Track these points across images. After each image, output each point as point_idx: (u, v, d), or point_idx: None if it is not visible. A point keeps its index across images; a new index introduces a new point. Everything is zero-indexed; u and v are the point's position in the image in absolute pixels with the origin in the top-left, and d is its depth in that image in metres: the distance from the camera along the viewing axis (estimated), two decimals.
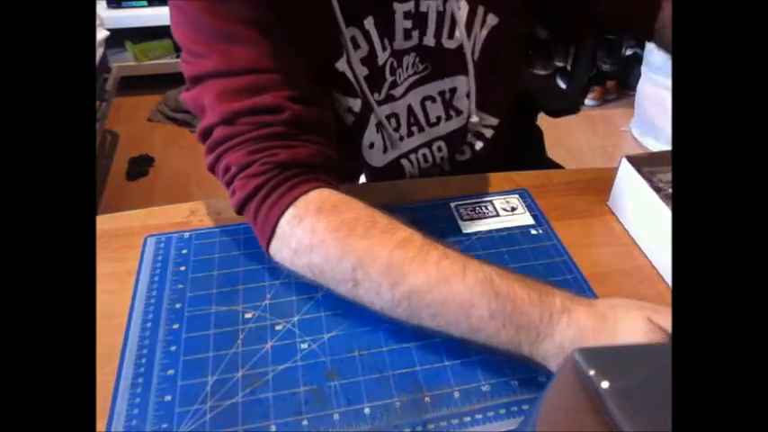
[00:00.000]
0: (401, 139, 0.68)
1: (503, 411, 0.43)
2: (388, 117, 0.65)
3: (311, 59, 0.54)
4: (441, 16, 0.62)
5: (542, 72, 2.35)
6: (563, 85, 2.34)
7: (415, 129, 0.69)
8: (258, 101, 0.48)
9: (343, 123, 0.63)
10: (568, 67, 2.34)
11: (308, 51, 0.53)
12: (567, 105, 0.95)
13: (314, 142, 0.50)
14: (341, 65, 0.58)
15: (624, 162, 0.59)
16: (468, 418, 0.42)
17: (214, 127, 0.49)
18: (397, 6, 0.59)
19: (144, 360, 0.46)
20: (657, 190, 0.53)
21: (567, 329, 0.40)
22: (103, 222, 0.59)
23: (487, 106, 0.71)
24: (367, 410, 0.42)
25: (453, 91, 0.68)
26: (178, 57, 2.37)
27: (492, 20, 0.64)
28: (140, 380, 0.44)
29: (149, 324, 0.49)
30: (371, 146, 0.66)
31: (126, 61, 2.21)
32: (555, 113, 0.94)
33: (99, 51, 1.71)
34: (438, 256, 0.43)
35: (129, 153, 1.97)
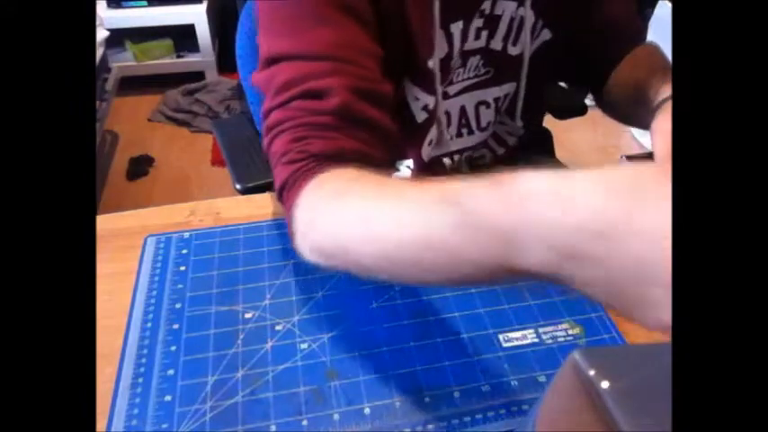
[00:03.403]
0: (451, 138, 0.69)
1: (503, 411, 0.43)
2: (443, 114, 0.66)
3: (403, 56, 0.53)
4: (512, 22, 0.62)
5: None
6: (563, 85, 2.33)
7: (465, 131, 0.70)
8: (312, 85, 0.46)
9: (414, 121, 0.63)
10: None
11: (404, 48, 0.53)
12: (574, 106, 0.95)
13: (355, 137, 0.47)
14: (431, 63, 0.59)
15: (624, 162, 0.59)
16: (468, 418, 0.42)
17: (271, 110, 0.48)
18: (481, 3, 0.59)
19: (144, 360, 0.46)
20: None
21: (547, 216, 0.27)
22: (103, 222, 0.59)
23: (524, 116, 0.73)
24: (367, 410, 0.42)
25: (506, 97, 0.69)
26: (178, 57, 2.39)
27: (546, 35, 0.66)
28: (140, 380, 0.44)
29: (149, 324, 0.49)
30: (430, 143, 0.68)
31: (126, 61, 2.21)
32: (561, 114, 0.94)
33: (99, 51, 1.71)
34: (414, 197, 0.35)
35: (129, 153, 1.97)
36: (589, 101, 2.49)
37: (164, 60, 2.26)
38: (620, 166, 0.26)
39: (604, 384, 0.25)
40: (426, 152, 0.68)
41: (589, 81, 0.75)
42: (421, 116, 0.63)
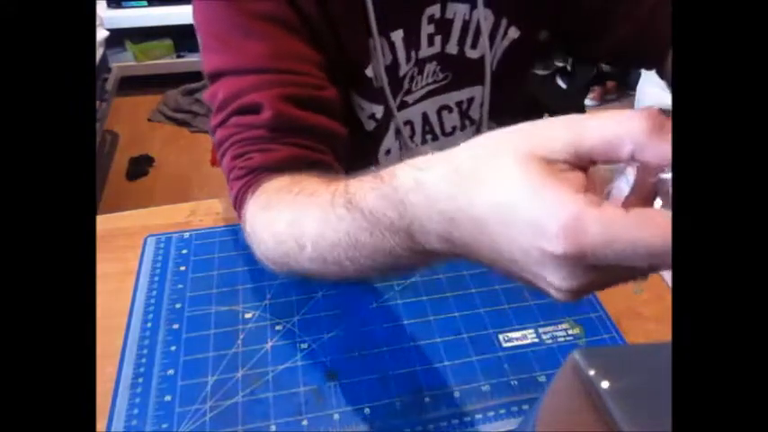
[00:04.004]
0: (417, 146, 0.68)
1: (503, 411, 0.43)
2: (404, 123, 0.65)
3: (340, 64, 0.53)
4: (466, 25, 0.61)
5: (542, 72, 2.35)
6: (563, 85, 2.34)
7: (429, 137, 0.69)
8: (245, 100, 0.47)
9: (363, 129, 0.62)
10: (568, 67, 2.34)
11: (337, 56, 0.52)
12: (572, 107, 0.95)
13: (296, 145, 0.48)
14: (369, 71, 0.58)
15: None
16: (468, 418, 0.42)
17: (216, 128, 0.49)
18: (423, 11, 0.58)
19: (144, 360, 0.46)
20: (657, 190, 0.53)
21: (421, 209, 0.28)
22: (103, 222, 0.59)
23: (500, 117, 0.72)
24: (367, 410, 0.42)
25: (471, 101, 0.68)
26: (178, 57, 2.39)
27: (514, 33, 0.64)
28: (140, 380, 0.44)
29: (149, 324, 0.49)
30: (388, 152, 0.66)
31: (126, 61, 2.21)
32: (559, 116, 0.94)
33: (99, 51, 1.71)
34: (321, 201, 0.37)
35: (129, 153, 1.97)
36: (588, 101, 2.48)
37: (164, 60, 2.26)
38: (469, 147, 0.27)
39: (604, 384, 0.25)
40: (385, 161, 0.67)
41: (622, 63, 0.71)
42: (369, 125, 0.62)
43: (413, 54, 0.60)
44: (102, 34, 1.73)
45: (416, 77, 0.62)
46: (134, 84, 2.21)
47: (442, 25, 0.60)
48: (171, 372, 0.45)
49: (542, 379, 0.44)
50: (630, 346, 0.46)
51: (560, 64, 2.37)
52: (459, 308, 0.50)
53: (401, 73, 0.60)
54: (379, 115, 0.62)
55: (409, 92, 0.63)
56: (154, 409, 0.42)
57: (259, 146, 0.47)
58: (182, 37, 2.25)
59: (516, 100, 0.74)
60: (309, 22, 0.50)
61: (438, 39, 0.61)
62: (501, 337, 0.48)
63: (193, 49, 2.24)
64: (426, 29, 0.59)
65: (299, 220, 0.38)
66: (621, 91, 2.34)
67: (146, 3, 2.13)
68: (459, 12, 0.60)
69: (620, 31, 0.64)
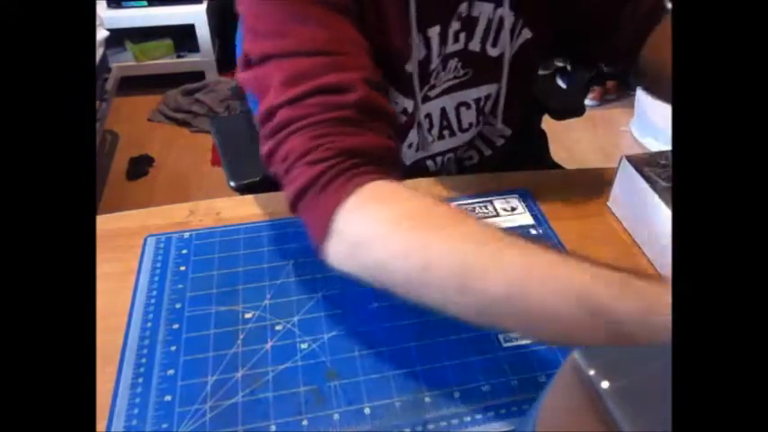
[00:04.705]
0: (433, 140, 0.69)
1: (503, 411, 0.43)
2: (423, 117, 0.66)
3: (382, 59, 0.52)
4: (490, 23, 0.62)
5: (542, 72, 2.35)
6: (563, 85, 2.34)
7: (446, 132, 0.70)
8: (326, 80, 0.44)
9: None
10: (568, 67, 2.34)
11: (380, 50, 0.52)
12: (572, 107, 0.95)
13: (382, 132, 0.46)
14: (409, 66, 0.59)
15: (624, 162, 0.59)
16: (468, 418, 0.42)
17: (278, 109, 0.45)
18: (457, 8, 0.59)
19: (144, 360, 0.46)
20: (657, 190, 0.53)
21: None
22: (103, 222, 0.59)
23: (506, 117, 0.72)
24: (367, 410, 0.42)
25: (487, 98, 0.69)
26: (178, 57, 2.39)
27: (527, 33, 0.65)
28: (140, 380, 0.44)
29: (149, 324, 0.49)
30: (410, 145, 0.67)
31: (126, 61, 2.21)
32: (559, 115, 0.94)
33: (99, 51, 1.71)
34: (520, 254, 0.36)
35: (129, 153, 1.97)
36: (588, 101, 2.48)
37: (164, 60, 2.26)
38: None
39: (604, 384, 0.25)
40: (408, 155, 0.68)
41: (618, 64, 0.71)
42: (400, 119, 0.63)
43: (442, 50, 0.61)
44: (102, 34, 1.72)
45: (441, 73, 0.64)
46: (134, 84, 2.21)
47: (468, 23, 0.61)
48: (171, 372, 0.45)
49: (542, 379, 0.44)
50: (630, 346, 0.46)
51: (560, 64, 2.36)
52: None
53: (431, 68, 0.61)
54: (410, 109, 0.63)
55: (433, 87, 0.64)
56: (154, 409, 0.42)
57: (344, 128, 0.44)
58: (182, 37, 2.25)
59: (522, 99, 0.75)
60: (364, 11, 0.50)
61: (463, 36, 0.62)
62: (501, 337, 0.48)
63: (193, 49, 2.24)
64: (454, 26, 0.60)
65: (476, 268, 0.36)
66: (621, 91, 2.34)
67: (146, 3, 2.13)
68: (484, 11, 0.61)
69: (624, 33, 0.64)
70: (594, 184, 0.66)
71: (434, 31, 0.59)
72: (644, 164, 0.58)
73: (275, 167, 0.46)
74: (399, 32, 0.56)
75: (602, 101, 2.31)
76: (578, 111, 0.95)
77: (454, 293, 0.36)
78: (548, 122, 0.95)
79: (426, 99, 0.65)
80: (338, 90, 0.44)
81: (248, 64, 0.48)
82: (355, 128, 0.44)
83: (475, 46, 0.63)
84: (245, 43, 0.49)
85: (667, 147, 0.51)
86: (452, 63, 0.63)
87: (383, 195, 0.41)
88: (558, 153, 0.96)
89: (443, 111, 0.68)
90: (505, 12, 0.61)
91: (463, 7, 0.59)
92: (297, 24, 0.46)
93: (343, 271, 0.42)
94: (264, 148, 0.46)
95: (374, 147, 0.44)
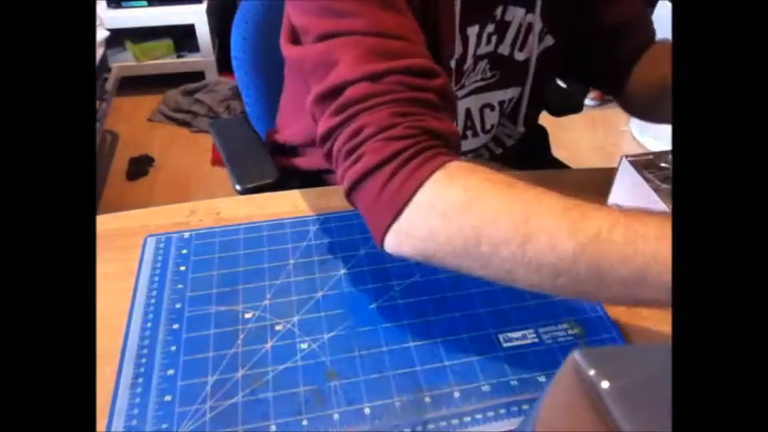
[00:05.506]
0: None
1: (503, 411, 0.43)
2: None
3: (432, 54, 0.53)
4: (520, 28, 0.64)
5: None
6: (563, 85, 2.34)
7: (469, 133, 0.71)
8: (412, 62, 0.44)
9: None
10: None
11: (428, 44, 0.51)
12: (570, 104, 0.95)
13: (452, 120, 0.47)
14: (452, 63, 0.60)
15: (624, 162, 0.59)
16: (468, 418, 0.42)
17: (350, 84, 0.43)
18: (495, 10, 0.60)
19: (144, 360, 0.46)
20: (657, 190, 0.53)
21: None
22: (103, 222, 0.59)
23: (525, 119, 0.74)
24: (367, 410, 0.42)
25: (510, 101, 0.71)
26: (178, 57, 2.39)
27: (549, 40, 0.67)
28: (140, 380, 0.44)
29: (149, 324, 0.49)
30: None
31: (126, 61, 2.21)
32: (558, 113, 0.94)
33: (99, 51, 1.71)
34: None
35: (129, 153, 1.97)
36: (588, 101, 2.48)
37: (164, 60, 2.26)
38: None
39: (604, 384, 0.25)
40: None
41: (606, 82, 0.74)
42: None
43: (476, 50, 0.62)
44: (102, 34, 1.72)
45: (471, 73, 0.65)
46: (134, 84, 2.21)
47: (501, 26, 0.62)
48: (171, 372, 0.45)
49: (542, 379, 0.44)
50: (630, 346, 0.46)
51: None
52: (460, 308, 0.50)
53: (465, 67, 0.62)
54: None
55: (462, 86, 0.65)
56: (154, 409, 0.42)
57: (428, 110, 0.44)
58: (182, 37, 2.25)
59: (540, 102, 0.77)
60: (426, 7, 0.52)
61: (494, 38, 0.63)
62: (501, 337, 0.48)
63: (193, 49, 2.24)
64: (488, 27, 0.62)
65: (578, 211, 0.37)
66: None
67: (146, 3, 2.13)
68: (517, 15, 0.62)
69: (632, 41, 0.67)
70: (594, 184, 0.66)
71: (473, 31, 0.60)
72: (644, 164, 0.58)
73: (337, 144, 0.44)
74: (447, 29, 0.57)
75: (603, 101, 2.31)
76: (576, 107, 0.96)
77: (557, 239, 0.36)
78: (548, 121, 0.95)
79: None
80: (424, 73, 0.45)
81: (313, 40, 0.47)
82: (437, 112, 0.44)
83: (504, 49, 0.65)
84: (299, 19, 0.48)
85: (667, 146, 0.51)
86: (482, 64, 0.65)
87: (468, 169, 0.41)
88: (558, 153, 0.96)
89: (468, 111, 0.69)
90: (536, 18, 0.63)
91: (499, 10, 0.61)
92: (377, 8, 0.46)
93: (420, 247, 0.41)
94: (325, 124, 0.45)
95: (451, 132, 0.45)
